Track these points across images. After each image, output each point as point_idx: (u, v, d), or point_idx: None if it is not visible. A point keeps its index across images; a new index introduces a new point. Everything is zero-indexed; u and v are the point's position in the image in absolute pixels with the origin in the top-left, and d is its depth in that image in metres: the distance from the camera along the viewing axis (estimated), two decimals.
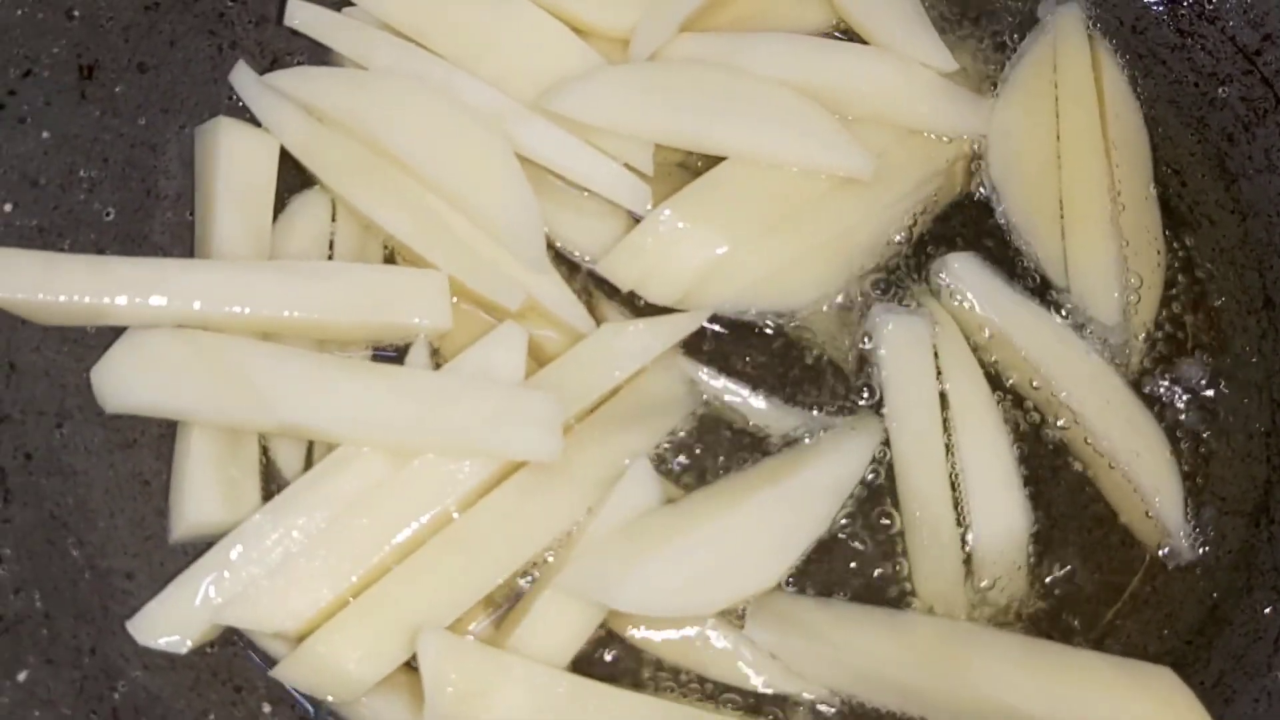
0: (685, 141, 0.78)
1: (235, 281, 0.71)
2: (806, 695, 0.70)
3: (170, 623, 0.66)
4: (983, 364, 0.78)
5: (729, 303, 0.77)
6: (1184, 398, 0.79)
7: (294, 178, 0.79)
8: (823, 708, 0.70)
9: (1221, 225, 0.83)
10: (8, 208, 0.70)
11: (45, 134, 0.72)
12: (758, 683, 0.70)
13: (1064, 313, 0.79)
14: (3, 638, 0.61)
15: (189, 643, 0.66)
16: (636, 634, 0.71)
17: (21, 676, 0.61)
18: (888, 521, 0.74)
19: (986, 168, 0.82)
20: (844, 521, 0.74)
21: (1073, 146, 0.82)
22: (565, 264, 0.79)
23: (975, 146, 0.83)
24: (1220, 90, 0.83)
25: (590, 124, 0.76)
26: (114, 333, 0.70)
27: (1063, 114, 0.83)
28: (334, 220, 0.79)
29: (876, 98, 0.81)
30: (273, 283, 0.71)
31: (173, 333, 0.70)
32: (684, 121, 0.77)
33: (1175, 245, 0.82)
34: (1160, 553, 0.75)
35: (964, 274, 0.79)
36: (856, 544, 0.74)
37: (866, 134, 0.80)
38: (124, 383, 0.69)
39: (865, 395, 0.77)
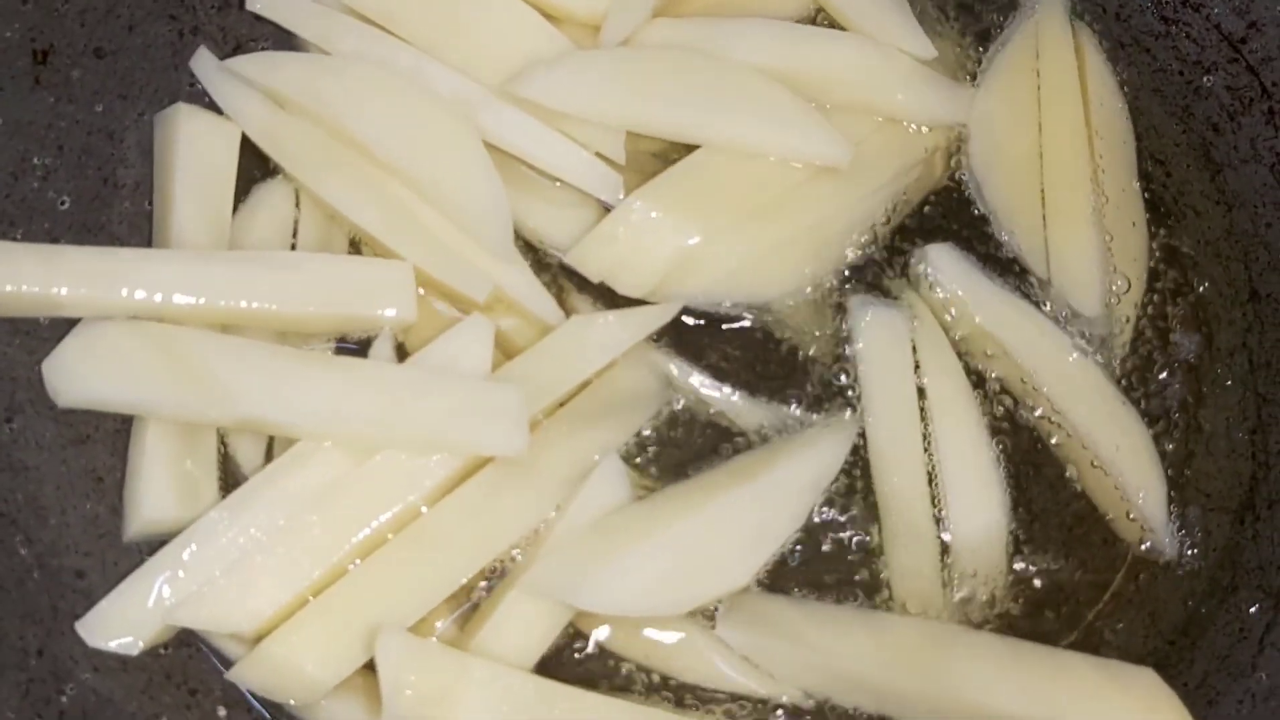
0: (657, 129, 0.76)
1: (193, 272, 0.69)
2: (780, 697, 0.68)
3: (122, 623, 0.64)
4: (962, 358, 0.76)
5: (702, 294, 0.75)
6: (1167, 392, 0.77)
7: (256, 167, 0.77)
8: (797, 709, 0.69)
9: (1206, 216, 0.81)
10: None
11: None
12: (730, 684, 0.68)
13: (1045, 305, 0.77)
14: None
15: (141, 644, 0.64)
16: (605, 635, 0.69)
17: None
18: (863, 519, 0.73)
19: (967, 157, 0.80)
20: (818, 519, 0.72)
21: (1055, 136, 0.80)
22: (534, 255, 0.77)
23: (955, 136, 0.81)
24: (1205, 79, 0.81)
25: (560, 110, 0.74)
26: (67, 324, 0.67)
27: (1045, 103, 0.81)
28: (297, 210, 0.77)
29: (854, 85, 0.79)
30: (232, 273, 0.69)
31: (128, 324, 0.67)
32: (656, 109, 0.75)
33: (1159, 236, 0.80)
34: (1143, 550, 0.74)
35: (943, 264, 0.77)
36: (831, 542, 0.72)
37: (844, 123, 0.78)
38: (77, 376, 0.67)
39: (841, 390, 0.75)
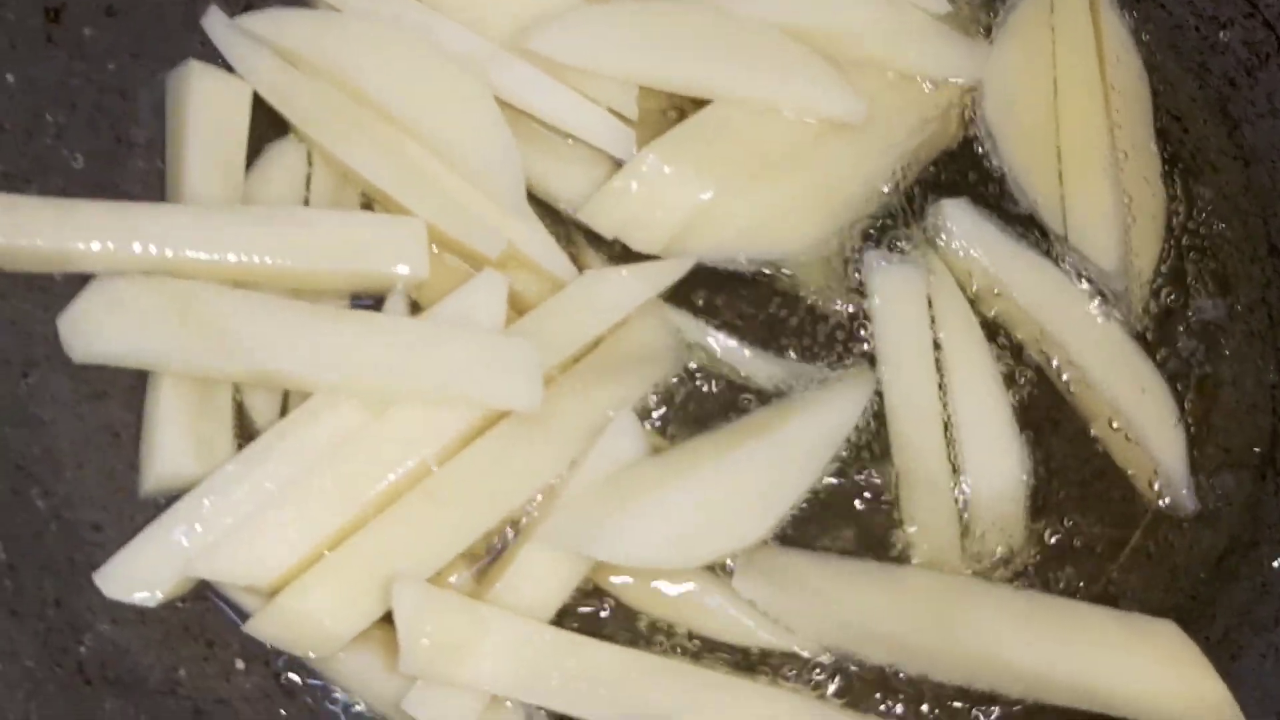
0: (669, 84, 0.76)
1: (207, 227, 0.68)
2: (796, 650, 0.68)
3: (139, 575, 0.64)
4: (978, 312, 0.75)
5: (716, 250, 0.75)
6: (1187, 347, 0.77)
7: (268, 126, 0.76)
8: (814, 662, 0.68)
9: (1224, 171, 0.80)
10: None
11: (10, 77, 0.69)
12: (746, 638, 0.68)
13: (1062, 261, 0.77)
14: None
15: (159, 596, 0.64)
16: (622, 587, 0.69)
17: None
18: (880, 474, 0.72)
19: (982, 113, 0.80)
20: (834, 475, 0.72)
21: (1071, 92, 0.80)
22: (547, 213, 0.76)
23: (969, 92, 0.80)
24: (1221, 34, 0.81)
25: (571, 64, 0.73)
26: (82, 281, 0.67)
27: (1060, 58, 0.81)
28: (309, 169, 0.76)
29: (868, 41, 0.78)
30: (246, 228, 0.69)
31: (143, 279, 0.67)
32: (668, 63, 0.75)
33: (1176, 192, 0.80)
34: (1163, 506, 0.73)
35: (959, 220, 0.76)
36: (847, 497, 0.72)
37: (858, 79, 0.78)
38: (92, 331, 0.66)
39: (857, 346, 0.75)
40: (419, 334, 0.68)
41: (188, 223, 0.69)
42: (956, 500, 0.72)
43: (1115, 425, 0.74)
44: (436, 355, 0.67)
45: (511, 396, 0.67)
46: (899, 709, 0.68)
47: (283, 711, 0.66)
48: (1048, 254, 0.77)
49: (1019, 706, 0.68)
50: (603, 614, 0.69)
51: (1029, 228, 0.78)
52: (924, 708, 0.68)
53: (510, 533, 0.70)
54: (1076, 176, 0.79)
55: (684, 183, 0.74)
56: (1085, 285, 0.76)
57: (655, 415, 0.73)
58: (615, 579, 0.68)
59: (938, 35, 0.79)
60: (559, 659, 0.64)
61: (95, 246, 0.67)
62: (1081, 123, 0.80)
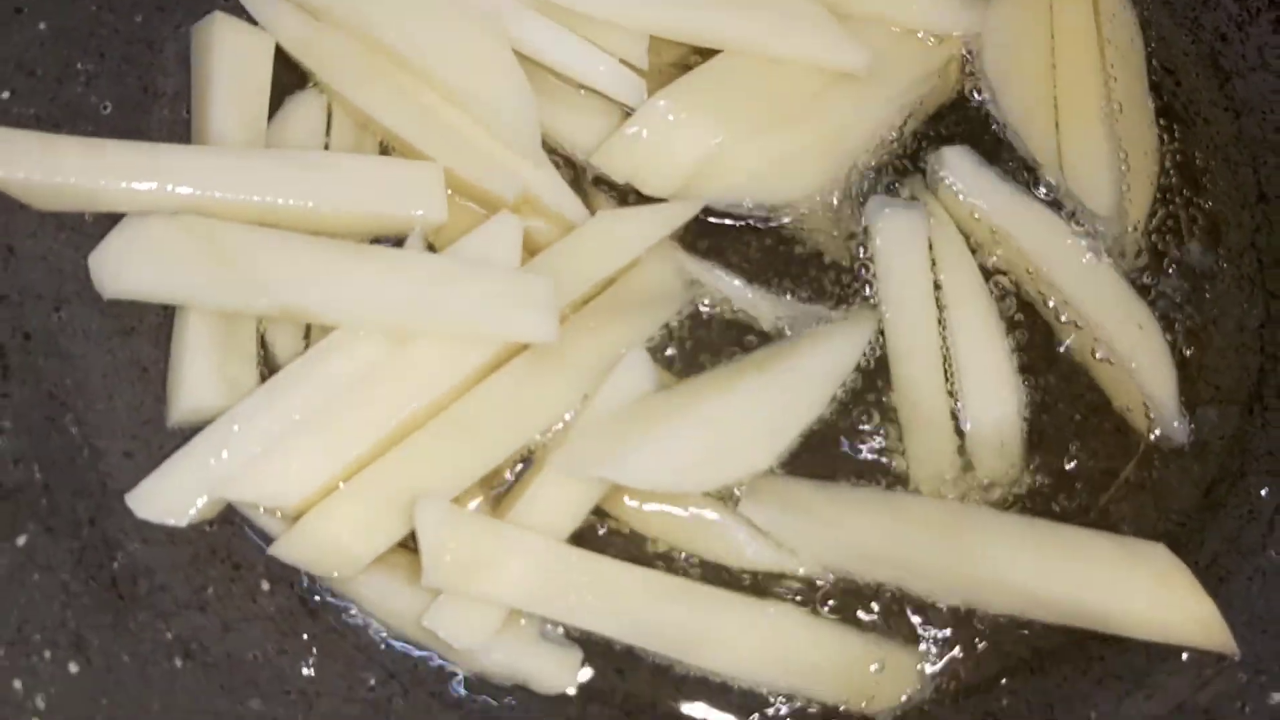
0: (681, 34, 0.79)
1: (232, 168, 0.71)
2: (800, 571, 0.71)
3: (168, 497, 0.66)
4: (976, 256, 0.78)
5: (724, 195, 0.78)
6: (1179, 290, 0.79)
7: (290, 77, 0.79)
8: (816, 583, 0.71)
9: (1216, 123, 0.83)
10: (5, 95, 0.70)
11: (42, 25, 0.72)
12: (752, 560, 0.71)
13: (1059, 208, 0.80)
14: (2, 504, 0.62)
15: (189, 516, 0.66)
16: (632, 513, 0.71)
17: (21, 541, 0.61)
18: (881, 410, 0.75)
19: (981, 66, 0.82)
20: (838, 409, 0.75)
21: (1067, 45, 0.83)
22: (560, 160, 0.79)
23: (969, 47, 0.83)
24: None
25: (585, 13, 0.76)
26: (111, 220, 0.70)
27: (1056, 13, 0.83)
28: (329, 119, 0.79)
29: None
30: (269, 170, 0.72)
31: (170, 218, 0.70)
32: (680, 12, 0.77)
33: (1170, 142, 0.82)
34: (1154, 439, 0.76)
35: (958, 167, 0.79)
36: (851, 430, 0.75)
37: (862, 32, 0.80)
38: (122, 268, 0.69)
39: (860, 288, 0.78)
40: (439, 270, 0.71)
41: (214, 164, 0.71)
42: (956, 434, 0.74)
43: (1109, 362, 0.77)
44: (456, 290, 0.70)
45: (529, 329, 0.70)
46: (886, 623, 0.71)
47: (306, 631, 0.69)
48: (1044, 200, 0.80)
49: (1001, 617, 0.71)
50: (613, 540, 0.72)
51: (1027, 175, 0.81)
52: (909, 615, 0.72)
53: (521, 466, 0.73)
54: (1072, 127, 0.81)
55: (693, 129, 0.77)
56: (1080, 230, 0.79)
57: (664, 352, 0.76)
58: (628, 501, 0.71)
59: None
60: (574, 576, 0.67)
61: (125, 186, 0.69)
62: (1078, 76, 0.82)
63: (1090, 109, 0.82)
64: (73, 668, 0.59)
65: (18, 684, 0.57)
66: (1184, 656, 0.70)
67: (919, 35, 0.82)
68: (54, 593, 0.61)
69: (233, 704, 0.63)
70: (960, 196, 0.79)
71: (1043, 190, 0.80)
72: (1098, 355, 0.77)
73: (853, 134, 0.80)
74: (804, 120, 0.79)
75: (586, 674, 0.70)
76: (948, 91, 0.83)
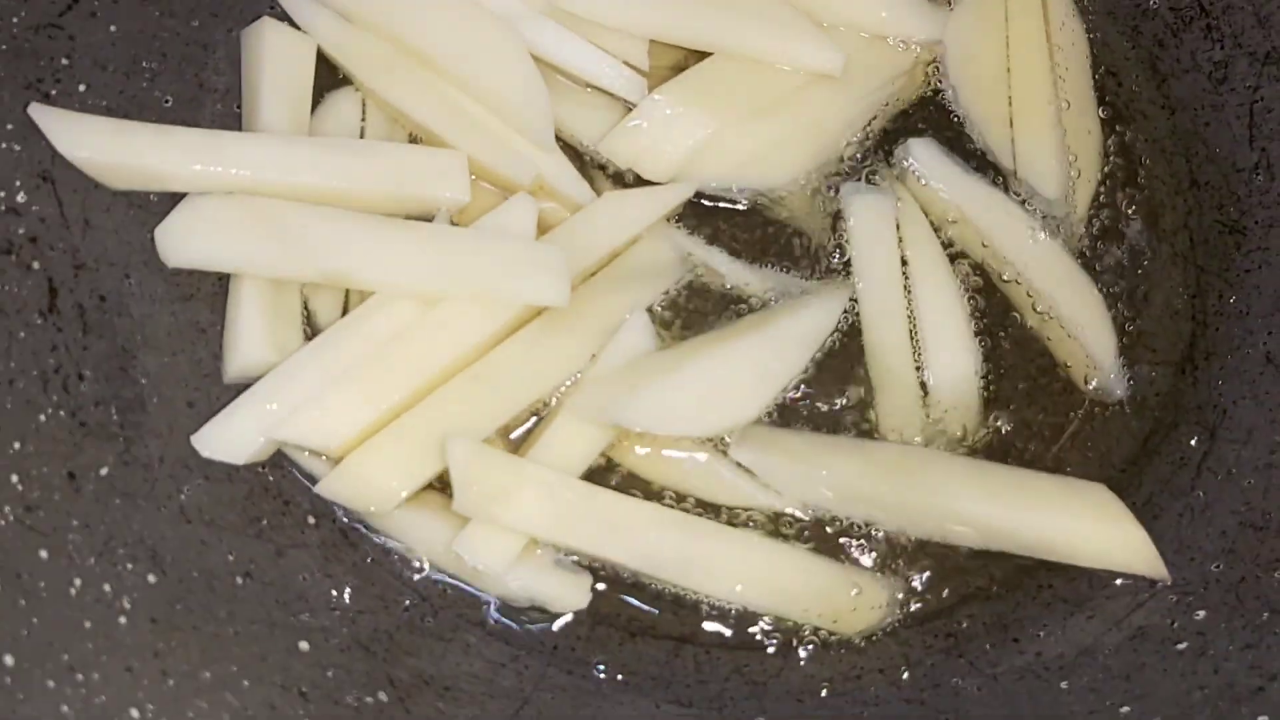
0: (677, 37, 0.88)
1: (281, 153, 0.80)
2: (784, 508, 0.80)
3: (228, 439, 0.75)
4: (940, 235, 0.87)
5: (715, 180, 0.87)
6: (1120, 265, 0.88)
7: (329, 77, 0.88)
8: (797, 519, 0.80)
9: (1153, 119, 0.93)
10: (81, 88, 0.79)
11: (113, 28, 0.81)
12: (741, 499, 0.79)
13: (1013, 192, 0.89)
14: (88, 439, 0.70)
15: (246, 455, 0.75)
16: (635, 459, 0.80)
17: (104, 471, 0.70)
18: (855, 369, 0.84)
19: (944, 68, 0.92)
20: (817, 367, 0.84)
21: (1020, 50, 0.92)
22: (568, 150, 0.88)
23: (933, 50, 0.92)
24: (1151, 1, 0.94)
25: (595, 20, 0.85)
26: (174, 199, 0.79)
27: (1011, 21, 0.93)
28: (364, 113, 0.88)
29: (846, 6, 0.90)
30: (312, 156, 0.80)
31: (226, 197, 0.78)
32: (677, 20, 0.87)
33: (1112, 136, 0.92)
34: (1097, 395, 0.85)
35: (923, 156, 0.88)
36: (828, 387, 0.84)
37: (837, 38, 0.89)
38: (183, 240, 0.78)
39: (836, 261, 0.87)
40: (465, 241, 0.79)
41: (265, 150, 0.80)
42: (920, 390, 0.83)
43: (1056, 327, 0.86)
44: (479, 259, 0.79)
45: (543, 293, 0.78)
46: (859, 555, 0.80)
47: (347, 560, 0.77)
48: (999, 186, 0.89)
49: (960, 549, 0.80)
50: (615, 477, 0.80)
51: (984, 164, 0.90)
52: (880, 548, 0.80)
53: (535, 420, 0.81)
54: (1025, 121, 0.91)
55: (688, 121, 0.86)
56: (1031, 212, 0.88)
57: (664, 318, 0.85)
58: (635, 449, 0.79)
59: (904, 2, 0.91)
60: (586, 507, 0.75)
61: (187, 168, 0.78)
62: (1030, 77, 0.92)
63: (1041, 106, 0.91)
64: (151, 578, 0.67)
65: (107, 587, 0.65)
66: (1121, 582, 0.78)
67: (889, 41, 0.92)
68: (132, 516, 0.70)
69: (286, 616, 0.71)
70: (925, 182, 0.88)
71: (999, 177, 0.90)
72: (1046, 322, 0.86)
73: (830, 127, 0.90)
74: (786, 114, 0.88)
75: (595, 597, 0.78)
76: (915, 89, 0.92)
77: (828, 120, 0.89)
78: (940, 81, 0.92)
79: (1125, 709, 0.71)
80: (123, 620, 0.64)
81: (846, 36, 0.91)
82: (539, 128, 0.85)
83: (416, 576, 0.77)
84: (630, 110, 0.88)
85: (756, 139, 0.88)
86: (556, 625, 0.77)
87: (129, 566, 0.67)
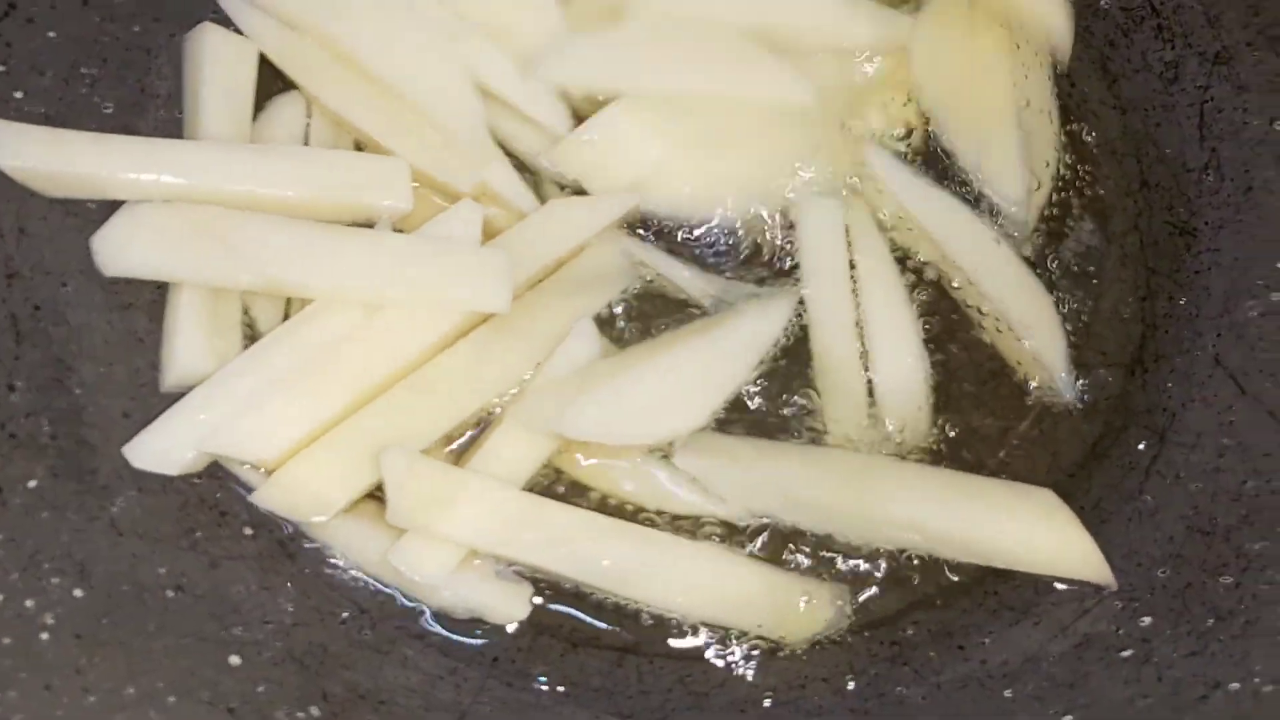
0: (652, 94, 0.85)
1: (220, 161, 0.79)
2: (728, 516, 0.79)
3: (161, 449, 0.74)
4: (889, 239, 0.87)
5: (663, 205, 0.86)
6: (1070, 266, 0.88)
7: (272, 82, 0.87)
8: (742, 527, 0.79)
9: (1104, 119, 0.92)
10: (18, 95, 0.78)
11: (51, 33, 0.80)
12: (685, 507, 0.78)
13: (974, 195, 0.88)
14: (17, 451, 0.69)
15: (179, 466, 0.74)
16: (579, 468, 0.79)
17: (32, 484, 0.69)
18: (803, 374, 0.83)
19: (909, 74, 0.90)
20: (764, 374, 0.83)
21: (982, 55, 0.91)
22: (516, 160, 0.86)
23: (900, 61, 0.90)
24: (1102, 1, 0.93)
25: (578, 90, 0.85)
26: (111, 206, 0.78)
27: (975, 28, 0.91)
28: (308, 119, 0.87)
29: (810, 29, 0.89)
30: (253, 163, 0.80)
31: (164, 205, 0.78)
32: (652, 78, 0.85)
33: (1065, 137, 0.91)
34: (1046, 399, 0.84)
35: (877, 162, 0.87)
36: (775, 393, 0.83)
37: (802, 61, 0.87)
38: (121, 249, 0.77)
39: (785, 267, 0.86)
40: (407, 247, 0.79)
41: (204, 157, 0.79)
42: (868, 395, 0.82)
43: (1007, 330, 0.85)
44: (421, 265, 0.78)
45: (486, 299, 0.78)
46: (806, 562, 0.79)
47: (284, 571, 0.76)
48: (959, 188, 0.88)
49: (907, 556, 0.79)
50: (557, 488, 0.80)
51: (946, 167, 0.89)
52: (826, 555, 0.79)
53: (481, 424, 0.80)
54: (987, 126, 0.89)
55: (641, 140, 0.85)
56: (986, 214, 0.87)
57: (613, 325, 0.84)
58: (579, 459, 0.79)
59: (869, 13, 0.90)
60: (526, 518, 0.74)
61: (125, 176, 0.77)
62: (991, 81, 0.91)
63: (1002, 109, 0.90)
64: (77, 592, 0.66)
65: (30, 603, 0.64)
66: (1066, 588, 0.77)
67: (854, 55, 0.90)
68: (61, 528, 0.68)
69: (218, 629, 0.70)
70: (876, 187, 0.88)
71: (959, 177, 0.88)
72: (997, 327, 0.85)
73: (787, 159, 0.87)
74: (745, 147, 0.87)
75: (536, 608, 0.77)
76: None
77: (785, 152, 0.88)
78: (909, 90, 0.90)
79: (1069, 717, 0.70)
80: (44, 636, 0.63)
81: (816, 62, 0.89)
82: (473, 139, 0.84)
83: (354, 588, 0.77)
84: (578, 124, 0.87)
85: (709, 173, 0.86)
86: (496, 637, 0.76)
87: (54, 581, 0.66)
